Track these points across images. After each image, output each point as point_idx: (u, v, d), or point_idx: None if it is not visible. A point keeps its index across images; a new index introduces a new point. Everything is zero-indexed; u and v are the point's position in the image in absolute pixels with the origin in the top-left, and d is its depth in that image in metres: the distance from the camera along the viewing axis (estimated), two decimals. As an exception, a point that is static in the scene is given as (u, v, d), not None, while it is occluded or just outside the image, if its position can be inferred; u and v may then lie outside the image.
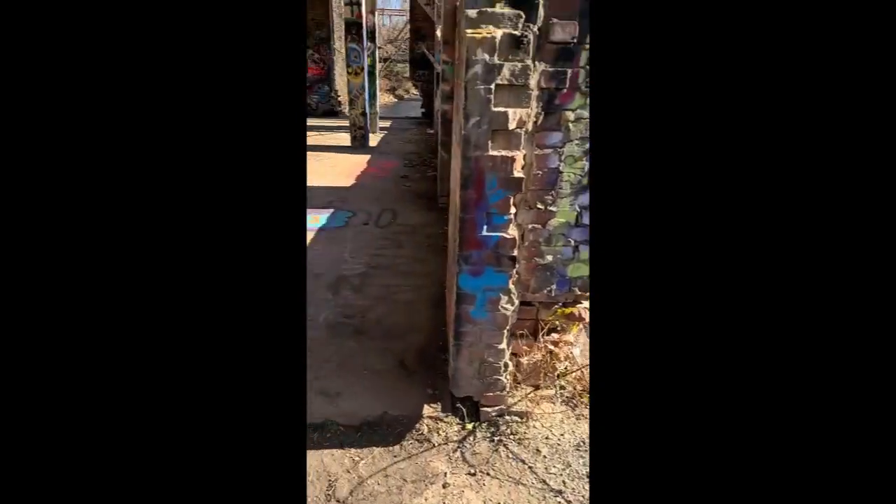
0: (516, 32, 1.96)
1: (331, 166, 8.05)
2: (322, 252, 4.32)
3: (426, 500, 2.02)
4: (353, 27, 9.12)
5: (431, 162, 8.75)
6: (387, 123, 14.55)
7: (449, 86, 4.32)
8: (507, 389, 2.53)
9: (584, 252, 2.42)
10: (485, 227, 2.22)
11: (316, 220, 5.12)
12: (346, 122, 15.11)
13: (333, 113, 16.30)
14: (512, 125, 2.08)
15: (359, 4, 8.98)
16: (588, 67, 2.07)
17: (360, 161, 8.56)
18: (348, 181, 7.05)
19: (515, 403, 2.55)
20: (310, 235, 4.66)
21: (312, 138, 11.05)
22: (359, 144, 9.92)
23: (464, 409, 2.48)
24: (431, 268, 4.10)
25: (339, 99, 16.82)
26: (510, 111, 2.05)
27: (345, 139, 11.06)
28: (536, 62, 2.04)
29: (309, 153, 9.09)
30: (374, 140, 10.94)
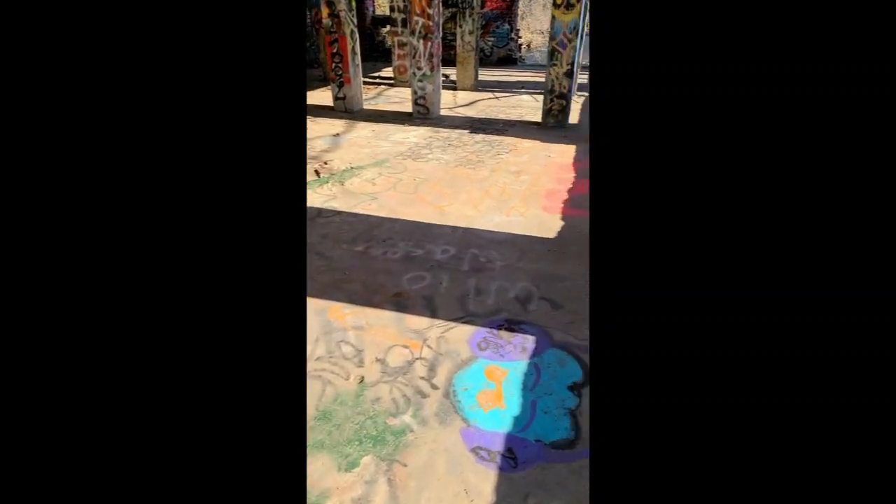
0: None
1: (511, 171, 4.85)
2: None
3: None
4: (574, -77, 5.43)
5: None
6: (583, 78, 10.57)
7: None
8: None
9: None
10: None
11: (497, 398, 2.05)
12: (529, 75, 11.69)
13: (512, 60, 12.79)
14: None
15: None
16: None
17: (560, 158, 5.18)
18: (549, 216, 3.81)
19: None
20: (488, 473, 1.71)
21: (485, 104, 7.91)
22: (555, 122, 6.46)
23: None
24: None
25: (519, 43, 13.15)
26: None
27: (530, 107, 7.66)
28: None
29: (478, 138, 5.98)
30: (574, 111, 7.32)
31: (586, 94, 8.71)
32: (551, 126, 6.43)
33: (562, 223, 3.67)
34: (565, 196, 4.18)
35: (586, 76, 10.68)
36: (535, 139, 5.91)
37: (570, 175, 4.69)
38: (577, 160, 5.12)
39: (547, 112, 6.43)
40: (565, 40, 5.92)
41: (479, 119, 6.95)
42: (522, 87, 9.41)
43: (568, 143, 5.72)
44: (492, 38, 12.43)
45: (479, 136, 6.04)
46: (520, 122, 6.82)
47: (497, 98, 8.48)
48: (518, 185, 4.45)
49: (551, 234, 3.50)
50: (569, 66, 6.04)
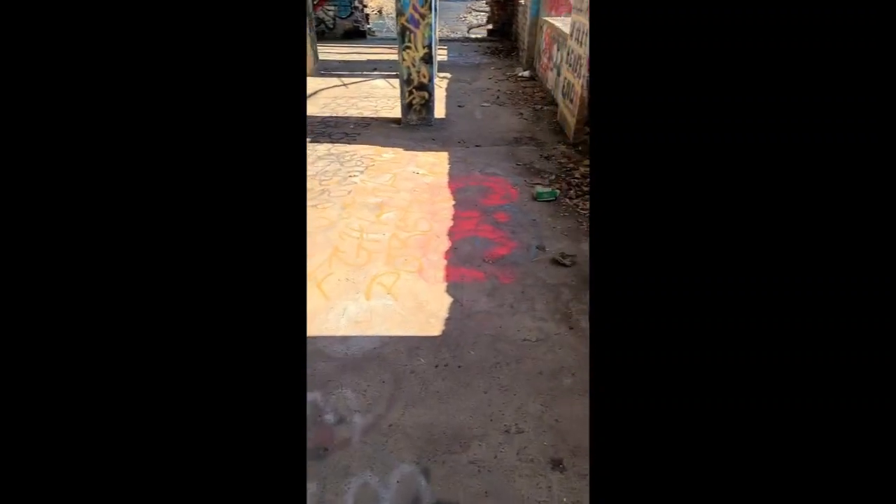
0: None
1: (369, 204, 3.53)
2: None
3: None
4: None
5: (574, 171, 4.12)
6: (440, 54, 9.42)
7: None
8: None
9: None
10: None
11: None
12: (383, 51, 10.10)
13: (360, 34, 11.08)
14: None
15: None
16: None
17: (432, 175, 3.98)
18: (428, 289, 2.65)
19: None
20: None
21: (330, 95, 6.33)
22: (419, 119, 5.23)
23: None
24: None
25: (366, 12, 11.43)
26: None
27: (387, 97, 6.30)
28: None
29: (321, 151, 4.50)
30: (438, 100, 6.16)
31: (448, 76, 7.61)
32: (414, 124, 5.20)
33: (449, 300, 2.53)
34: (446, 244, 3.04)
35: (444, 52, 9.57)
36: (396, 146, 4.64)
37: (448, 203, 3.55)
38: (452, 177, 4.00)
39: (407, 107, 5.16)
40: (417, 16, 4.64)
41: (324, 119, 5.43)
42: (375, 69, 7.96)
43: (438, 149, 4.57)
44: (332, 8, 10.56)
45: (325, 148, 4.57)
46: (375, 119, 5.47)
47: (345, 85, 6.94)
48: (380, 229, 3.18)
49: (436, 328, 2.34)
50: (426, 50, 4.81)
